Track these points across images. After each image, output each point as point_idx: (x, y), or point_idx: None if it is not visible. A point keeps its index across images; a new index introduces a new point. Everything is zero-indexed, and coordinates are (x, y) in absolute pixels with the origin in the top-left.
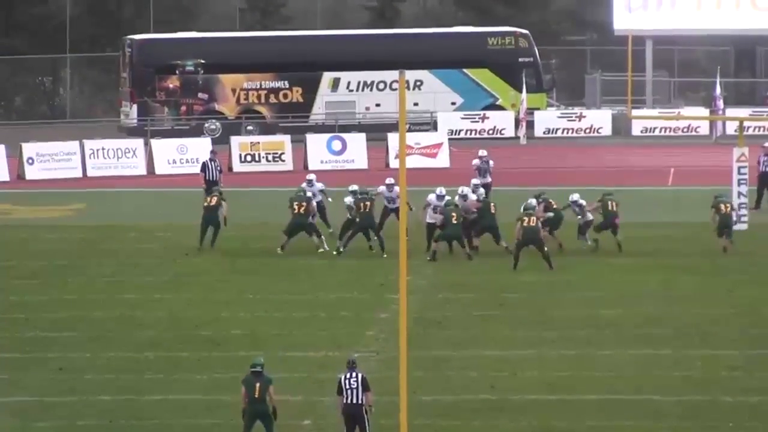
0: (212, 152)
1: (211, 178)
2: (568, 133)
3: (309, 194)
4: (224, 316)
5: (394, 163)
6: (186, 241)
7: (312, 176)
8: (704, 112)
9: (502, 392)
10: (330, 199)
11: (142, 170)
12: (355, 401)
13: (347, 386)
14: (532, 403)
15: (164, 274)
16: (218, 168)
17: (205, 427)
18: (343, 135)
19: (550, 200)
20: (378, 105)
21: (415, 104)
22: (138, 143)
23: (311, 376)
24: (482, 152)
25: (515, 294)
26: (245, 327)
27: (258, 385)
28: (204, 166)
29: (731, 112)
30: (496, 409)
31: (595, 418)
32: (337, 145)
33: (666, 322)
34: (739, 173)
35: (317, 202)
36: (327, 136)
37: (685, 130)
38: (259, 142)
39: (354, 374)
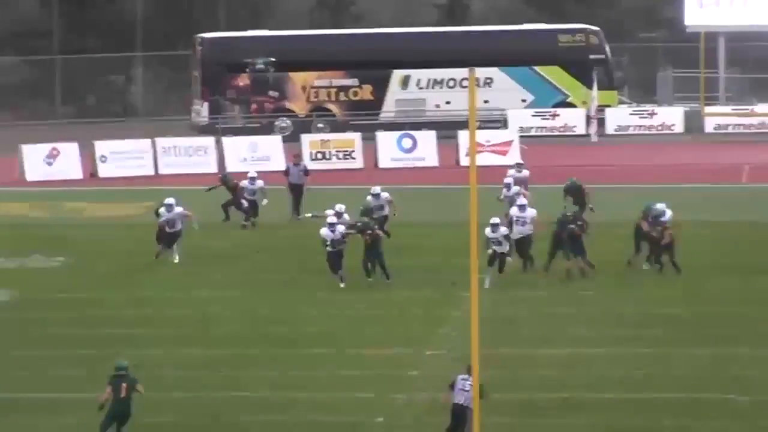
0: (296, 156)
1: (294, 181)
2: (640, 130)
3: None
4: (296, 314)
5: (464, 161)
6: (257, 239)
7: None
8: None
9: (575, 390)
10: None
11: (213, 168)
12: (462, 403)
13: (461, 387)
14: (606, 402)
15: (236, 272)
16: (303, 170)
17: (278, 423)
18: (414, 133)
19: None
20: (448, 103)
21: (486, 102)
22: (209, 141)
23: (384, 373)
24: (518, 161)
25: (587, 292)
26: (317, 325)
27: (124, 385)
28: (287, 170)
29: None
30: (570, 408)
31: (671, 418)
32: (407, 143)
33: (742, 322)
34: None
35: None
36: (397, 134)
37: (759, 126)
38: (329, 140)
39: (469, 376)
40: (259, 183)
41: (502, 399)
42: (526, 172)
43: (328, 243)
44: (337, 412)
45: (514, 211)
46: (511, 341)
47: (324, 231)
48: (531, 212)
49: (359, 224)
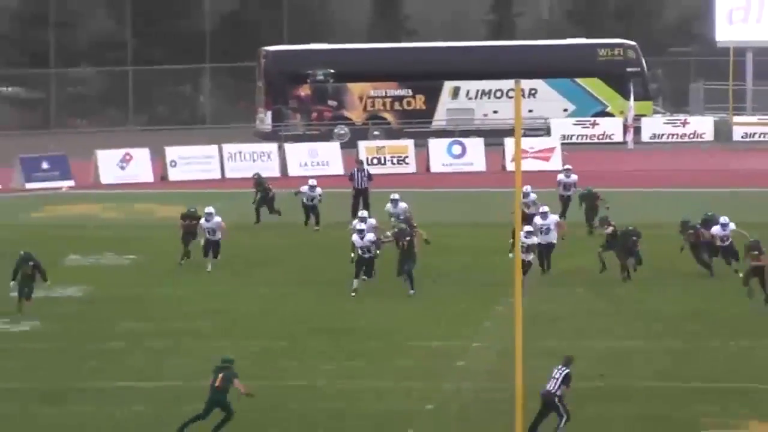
0: (359, 162)
1: (359, 186)
2: (672, 138)
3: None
4: (349, 310)
5: (510, 166)
6: (314, 238)
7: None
8: None
9: (611, 381)
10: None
11: (275, 172)
12: (551, 389)
13: (552, 374)
14: (640, 391)
15: (293, 270)
16: (366, 176)
17: (333, 410)
18: (463, 140)
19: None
20: (495, 112)
21: (530, 111)
22: (272, 147)
23: (432, 363)
24: (567, 166)
25: (624, 289)
26: (369, 319)
27: (220, 375)
28: (352, 175)
29: None
30: (606, 398)
31: (703, 405)
32: (457, 149)
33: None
34: None
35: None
36: (448, 140)
37: None
38: (384, 146)
39: (563, 368)
40: (318, 190)
41: (542, 388)
42: (574, 177)
43: (359, 249)
44: (389, 400)
45: (537, 219)
46: (552, 335)
47: (354, 237)
48: (553, 218)
49: (395, 231)
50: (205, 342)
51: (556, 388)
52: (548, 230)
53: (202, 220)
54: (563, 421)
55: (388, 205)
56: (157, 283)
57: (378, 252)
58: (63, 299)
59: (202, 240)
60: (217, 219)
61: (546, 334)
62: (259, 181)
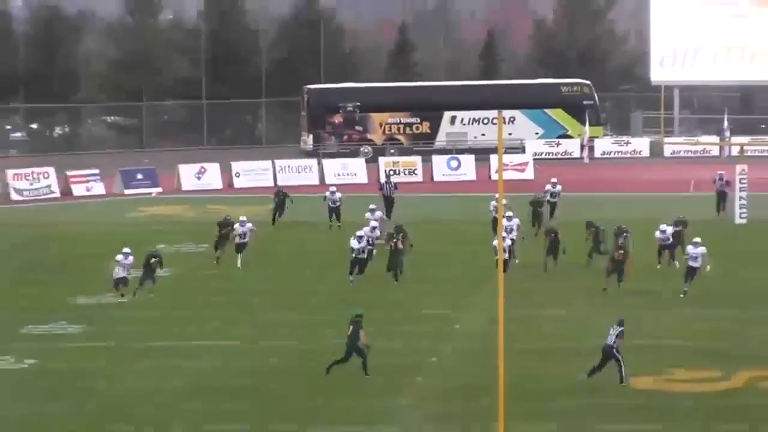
0: (388, 175)
1: (387, 194)
2: (618, 154)
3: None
4: (372, 288)
5: (494, 176)
6: (338, 234)
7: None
8: (716, 139)
9: (575, 341)
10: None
11: (315, 181)
12: (609, 343)
13: (610, 332)
14: (597, 349)
15: (325, 259)
16: (393, 186)
17: (359, 365)
18: (459, 156)
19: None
20: (483, 135)
21: (510, 134)
22: (313, 162)
23: (438, 328)
24: (553, 179)
25: (592, 272)
26: (389, 294)
27: (351, 327)
28: (381, 185)
29: (736, 139)
30: (572, 353)
31: (641, 356)
32: (454, 164)
33: (702, 290)
34: (740, 183)
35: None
36: (447, 156)
37: (702, 152)
38: (399, 161)
39: (617, 327)
40: (338, 194)
41: (523, 347)
42: (559, 187)
43: (354, 250)
44: (402, 356)
45: (503, 221)
46: (530, 306)
47: (353, 241)
48: (515, 221)
49: (387, 234)
50: (257, 314)
51: (613, 342)
52: (511, 230)
53: (237, 225)
54: (623, 368)
55: (367, 213)
56: (225, 266)
57: (374, 250)
58: None
59: (235, 239)
60: (249, 225)
61: (525, 305)
62: (279, 193)
